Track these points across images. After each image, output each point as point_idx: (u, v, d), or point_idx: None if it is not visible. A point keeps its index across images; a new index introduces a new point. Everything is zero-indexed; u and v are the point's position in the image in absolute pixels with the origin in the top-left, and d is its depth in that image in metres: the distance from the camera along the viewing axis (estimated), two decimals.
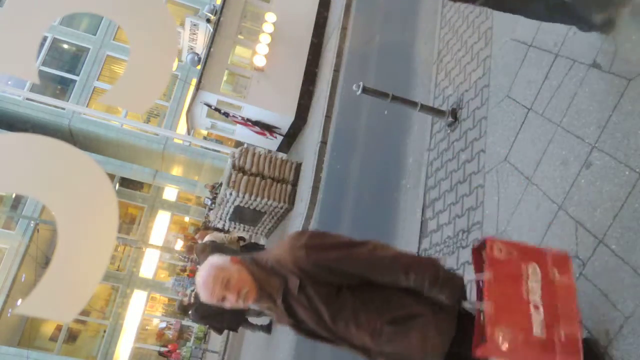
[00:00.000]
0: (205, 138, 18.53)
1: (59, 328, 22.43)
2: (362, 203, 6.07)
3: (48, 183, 3.38)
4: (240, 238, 9.60)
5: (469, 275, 2.75)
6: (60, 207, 3.31)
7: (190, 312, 8.85)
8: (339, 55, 9.37)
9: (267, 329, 8.60)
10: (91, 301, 18.66)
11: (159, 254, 24.38)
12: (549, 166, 2.74)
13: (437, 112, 4.19)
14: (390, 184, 5.18)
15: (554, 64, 2.98)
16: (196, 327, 19.18)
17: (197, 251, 9.22)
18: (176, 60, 9.01)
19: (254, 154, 9.55)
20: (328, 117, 8.78)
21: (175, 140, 20.06)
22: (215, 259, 2.00)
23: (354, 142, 7.16)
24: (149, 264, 24.39)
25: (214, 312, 8.95)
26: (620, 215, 2.17)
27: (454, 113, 4.07)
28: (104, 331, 22.81)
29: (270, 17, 10.78)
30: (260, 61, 10.34)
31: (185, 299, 10.20)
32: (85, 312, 22.02)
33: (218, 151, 18.83)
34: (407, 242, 4.41)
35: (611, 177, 2.28)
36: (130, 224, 25.12)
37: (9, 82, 18.08)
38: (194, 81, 11.23)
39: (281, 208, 9.46)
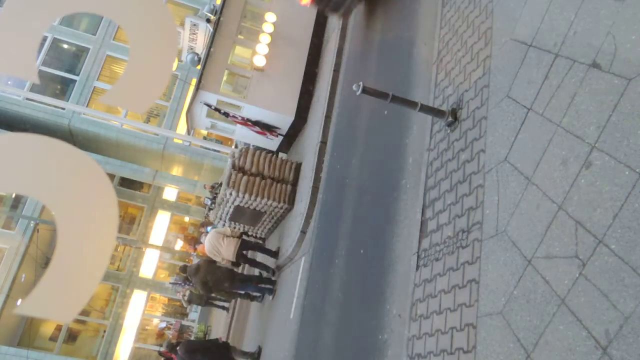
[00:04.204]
0: (205, 138, 18.54)
1: (59, 328, 22.44)
2: (362, 203, 6.07)
3: (48, 183, 3.38)
4: (244, 233, 9.67)
5: None
6: (60, 207, 3.31)
7: (178, 348, 9.12)
8: (339, 55, 9.37)
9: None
10: (91, 301, 18.68)
11: (159, 254, 24.39)
12: (549, 166, 2.74)
13: (437, 112, 4.19)
14: (390, 183, 5.18)
15: (554, 64, 2.98)
16: (196, 327, 19.19)
17: (190, 271, 9.30)
18: (176, 60, 9.01)
19: (254, 154, 9.55)
20: (328, 117, 8.78)
21: (175, 140, 20.07)
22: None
23: (354, 142, 7.16)
24: (149, 264, 24.41)
25: (200, 348, 9.14)
26: (620, 215, 2.17)
27: (454, 113, 4.07)
28: (104, 331, 22.83)
29: (270, 17, 10.78)
30: (260, 61, 10.34)
31: (174, 338, 10.69)
32: (85, 312, 22.04)
33: (218, 151, 18.84)
34: (407, 242, 4.41)
35: (611, 177, 2.28)
36: (130, 224, 25.13)
37: (9, 82, 18.10)
38: (194, 81, 11.23)
39: (281, 208, 9.46)
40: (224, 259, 8.73)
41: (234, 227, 11.03)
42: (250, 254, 10.12)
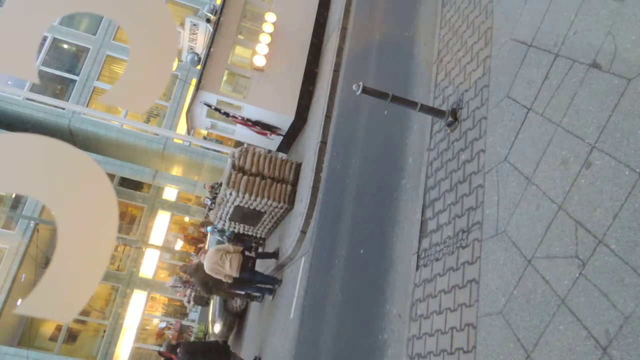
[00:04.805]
0: (205, 138, 18.54)
1: (59, 328, 22.44)
2: (362, 203, 6.07)
3: (48, 183, 3.38)
4: (245, 249, 9.60)
5: None
6: (60, 207, 3.31)
7: (178, 349, 9.09)
8: (339, 55, 9.36)
9: None
10: (91, 301, 18.67)
11: (159, 254, 24.40)
12: (549, 166, 2.74)
13: (437, 112, 4.19)
14: (390, 184, 5.18)
15: (554, 64, 2.98)
16: (196, 327, 19.19)
17: (190, 271, 9.28)
18: (176, 60, 9.00)
19: (254, 154, 9.55)
20: (328, 117, 8.78)
21: (175, 140, 20.07)
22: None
23: (354, 142, 7.16)
24: (149, 264, 24.41)
25: (200, 349, 9.11)
26: (620, 215, 2.17)
27: (454, 113, 4.07)
28: (104, 331, 22.83)
29: (270, 17, 10.78)
30: (260, 61, 10.34)
31: (174, 338, 10.77)
32: (85, 312, 22.04)
33: (218, 151, 18.84)
34: (407, 242, 4.41)
35: (611, 177, 2.28)
36: (130, 224, 25.13)
37: (9, 82, 18.10)
38: (194, 81, 11.23)
39: (281, 208, 9.46)
40: (226, 276, 8.63)
41: (234, 227, 11.02)
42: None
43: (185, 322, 22.66)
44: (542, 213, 2.68)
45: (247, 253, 9.19)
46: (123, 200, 24.20)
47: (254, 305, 11.23)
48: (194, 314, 22.37)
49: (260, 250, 11.63)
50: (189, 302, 14.35)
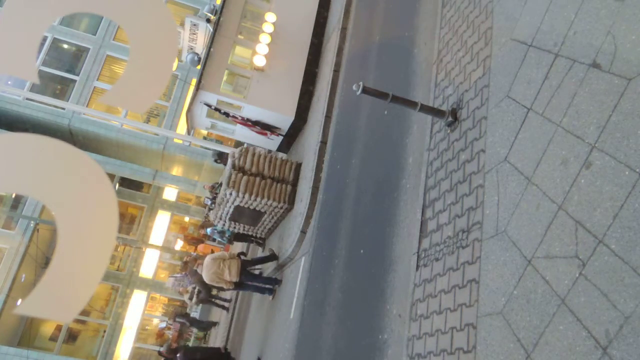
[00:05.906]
0: (205, 138, 18.53)
1: (59, 328, 22.44)
2: (362, 203, 6.07)
3: (48, 183, 3.38)
4: (241, 253, 9.61)
5: None
6: (60, 207, 3.31)
7: (178, 355, 9.11)
8: (339, 55, 9.37)
9: None
10: (91, 301, 18.67)
11: (159, 254, 24.40)
12: (549, 166, 2.74)
13: (437, 112, 4.19)
14: (390, 184, 5.18)
15: (554, 64, 2.98)
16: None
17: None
18: (176, 60, 9.00)
19: (254, 154, 9.55)
20: (328, 117, 8.78)
21: (175, 140, 20.06)
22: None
23: (354, 142, 7.16)
24: (149, 264, 24.41)
25: (200, 355, 9.13)
26: (620, 215, 2.17)
27: (454, 113, 4.07)
28: (104, 331, 22.83)
29: (270, 17, 10.78)
30: (260, 61, 10.34)
31: (174, 338, 10.89)
32: (85, 312, 22.04)
33: None
34: (407, 242, 4.41)
35: (611, 177, 2.28)
36: (130, 224, 25.13)
37: (9, 82, 18.10)
38: (194, 81, 11.22)
39: (281, 208, 9.46)
40: (227, 283, 8.59)
41: (234, 228, 11.02)
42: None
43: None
44: (542, 213, 2.68)
45: (242, 257, 9.20)
46: (123, 200, 24.18)
47: (254, 305, 11.23)
48: (194, 314, 22.34)
49: (260, 252, 11.63)
50: (190, 298, 14.24)
